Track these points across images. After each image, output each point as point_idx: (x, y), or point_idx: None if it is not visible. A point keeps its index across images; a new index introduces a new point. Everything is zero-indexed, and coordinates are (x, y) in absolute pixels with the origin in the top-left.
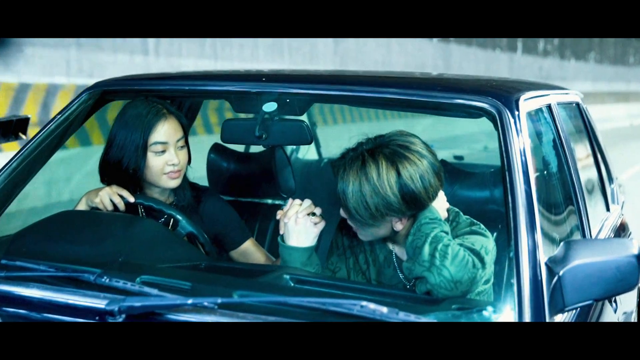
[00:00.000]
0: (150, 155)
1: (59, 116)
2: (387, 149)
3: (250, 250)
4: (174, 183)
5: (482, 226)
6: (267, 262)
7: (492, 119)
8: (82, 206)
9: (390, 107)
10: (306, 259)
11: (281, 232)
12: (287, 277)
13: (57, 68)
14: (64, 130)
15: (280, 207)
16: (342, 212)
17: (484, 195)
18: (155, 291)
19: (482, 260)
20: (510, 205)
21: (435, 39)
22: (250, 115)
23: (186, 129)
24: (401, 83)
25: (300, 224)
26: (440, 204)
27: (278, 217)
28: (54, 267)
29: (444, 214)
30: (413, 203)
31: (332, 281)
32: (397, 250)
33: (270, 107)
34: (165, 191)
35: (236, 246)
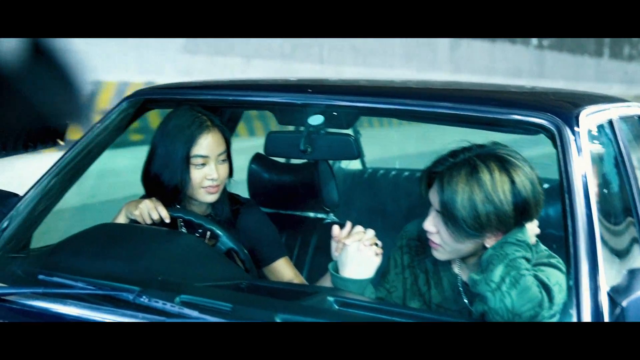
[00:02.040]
0: (189, 168)
1: (99, 124)
2: (495, 157)
3: (282, 269)
4: (212, 198)
5: (560, 260)
6: (297, 282)
7: (550, 136)
8: (121, 218)
9: (442, 122)
10: (363, 291)
11: (335, 254)
12: (331, 299)
13: (269, 75)
14: (105, 138)
15: (322, 220)
16: (429, 225)
17: None
18: (195, 313)
19: (552, 297)
20: (570, 229)
21: (531, 47)
22: (292, 127)
23: (229, 142)
24: (454, 96)
25: (363, 252)
26: (532, 227)
27: (335, 236)
28: (92, 285)
29: (532, 239)
30: (522, 213)
31: (379, 305)
32: (463, 274)
33: (316, 120)
34: (203, 204)
35: (269, 262)
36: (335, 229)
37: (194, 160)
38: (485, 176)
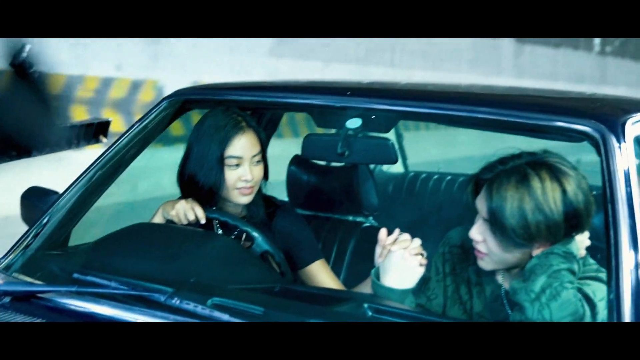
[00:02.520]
0: (224, 169)
1: (138, 123)
2: (545, 165)
3: (318, 272)
4: (245, 199)
5: None
6: (334, 286)
7: (594, 144)
8: (158, 217)
9: (483, 127)
10: (403, 300)
11: (379, 260)
12: (366, 306)
13: (345, 77)
14: (144, 137)
15: (361, 224)
16: (475, 234)
17: None
18: (226, 316)
19: (596, 313)
20: (613, 240)
21: (594, 53)
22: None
23: (264, 144)
24: (496, 101)
25: (407, 261)
26: (582, 239)
27: (380, 241)
28: (125, 284)
29: (582, 252)
30: (573, 224)
31: (415, 313)
32: (507, 284)
33: (354, 123)
34: (237, 205)
35: (304, 265)
36: (382, 233)
37: (228, 161)
38: (535, 184)
